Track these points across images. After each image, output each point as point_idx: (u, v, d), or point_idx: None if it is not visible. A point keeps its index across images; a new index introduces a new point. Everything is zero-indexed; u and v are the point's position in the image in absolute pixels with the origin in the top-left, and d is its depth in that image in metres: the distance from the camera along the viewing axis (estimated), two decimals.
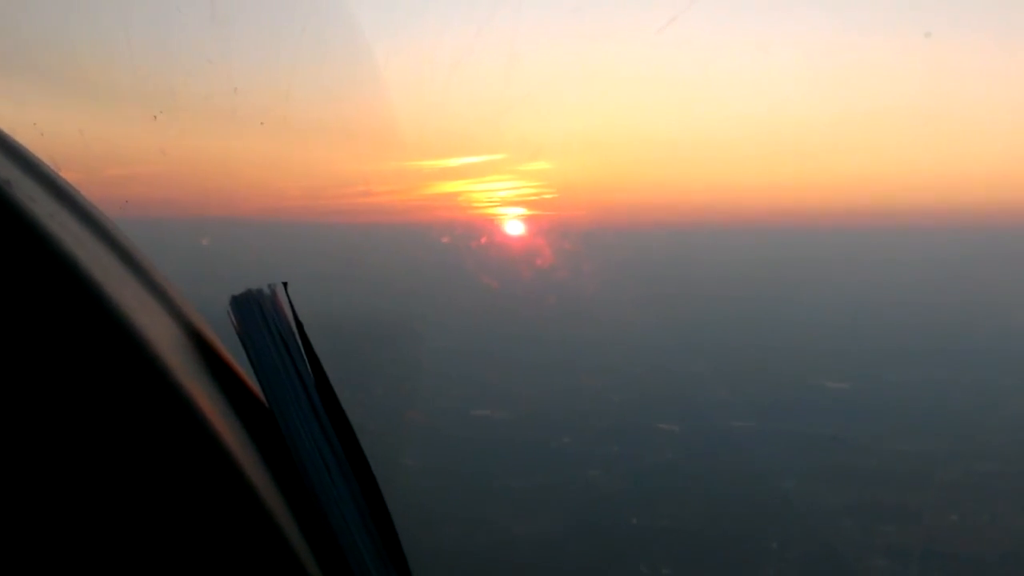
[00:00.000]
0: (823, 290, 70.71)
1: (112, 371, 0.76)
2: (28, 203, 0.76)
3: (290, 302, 1.06)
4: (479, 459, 27.71)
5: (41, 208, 0.79)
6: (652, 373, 39.30)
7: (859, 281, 75.10)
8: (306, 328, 1.06)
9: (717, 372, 40.01)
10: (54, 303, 0.75)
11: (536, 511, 23.73)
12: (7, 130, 0.98)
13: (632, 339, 46.46)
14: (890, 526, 23.02)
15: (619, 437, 30.19)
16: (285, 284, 1.06)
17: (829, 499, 24.93)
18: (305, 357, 1.04)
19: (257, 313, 1.03)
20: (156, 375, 0.78)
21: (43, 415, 0.75)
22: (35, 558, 0.77)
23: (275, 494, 0.91)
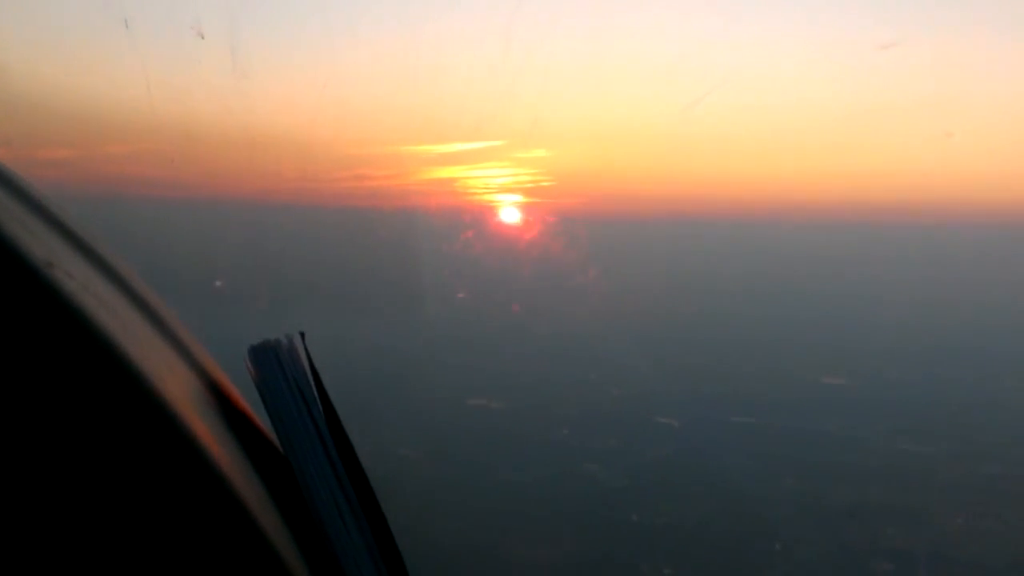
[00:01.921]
0: (823, 285, 70.53)
1: (140, 439, 0.83)
2: (66, 281, 0.83)
3: (306, 351, 1.07)
4: (476, 450, 27.26)
5: (77, 284, 0.85)
6: (650, 366, 38.97)
7: (859, 277, 74.90)
8: (322, 377, 1.07)
9: (715, 366, 39.79)
10: (91, 384, 0.81)
11: (534, 505, 23.27)
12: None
13: (629, 331, 46.13)
14: (894, 528, 22.61)
15: (618, 430, 29.78)
16: (302, 334, 1.08)
17: (831, 498, 24.56)
18: (320, 407, 1.06)
19: (274, 362, 1.05)
20: (179, 438, 0.85)
21: (71, 479, 0.81)
22: None
23: (290, 543, 0.93)
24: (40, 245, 0.85)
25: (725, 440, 29.42)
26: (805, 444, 29.25)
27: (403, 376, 32.47)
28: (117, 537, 0.82)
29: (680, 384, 36.32)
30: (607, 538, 21.59)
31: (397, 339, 38.98)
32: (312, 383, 1.06)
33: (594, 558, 20.56)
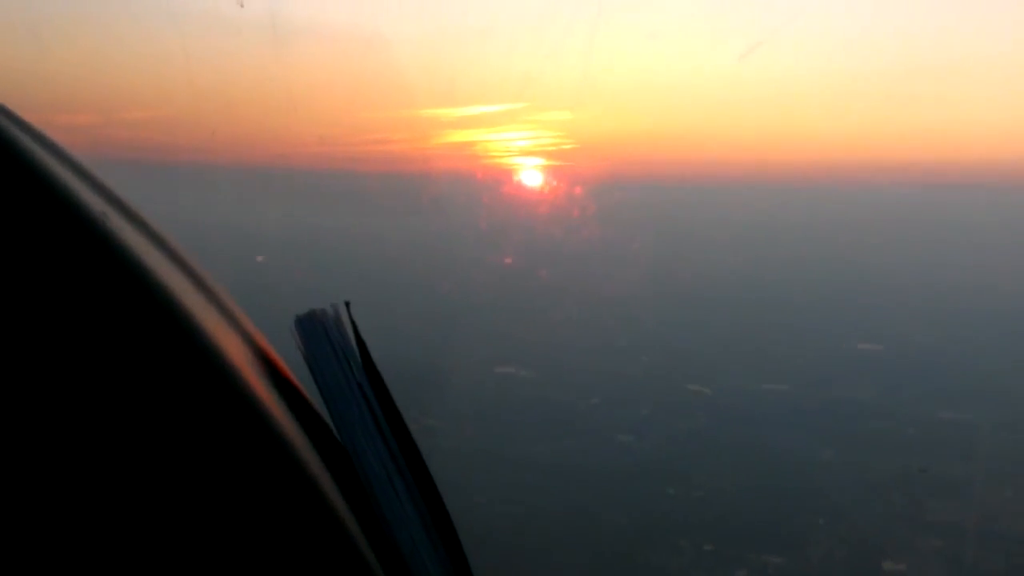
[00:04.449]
0: (853, 249, 69.30)
1: (201, 397, 0.82)
2: (120, 234, 0.83)
3: (352, 322, 1.06)
4: (505, 419, 26.76)
5: (130, 239, 0.85)
6: (678, 332, 38.34)
7: (894, 241, 73.47)
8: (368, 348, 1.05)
9: (746, 332, 39.05)
10: (154, 334, 0.81)
11: (566, 479, 22.72)
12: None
13: (657, 297, 45.46)
14: (940, 501, 21.84)
15: (649, 399, 29.14)
16: (347, 304, 1.07)
17: (872, 470, 23.84)
18: (368, 378, 1.05)
19: (321, 334, 1.03)
20: (241, 399, 0.84)
21: (141, 439, 0.81)
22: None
23: (348, 515, 0.92)
24: (94, 200, 0.85)
25: (760, 409, 28.76)
26: (842, 412, 28.54)
27: (429, 344, 31.99)
28: (184, 493, 0.81)
29: (709, 350, 35.67)
30: (643, 512, 21.02)
31: (423, 308, 38.53)
32: (358, 355, 1.04)
33: (630, 533, 20.00)
